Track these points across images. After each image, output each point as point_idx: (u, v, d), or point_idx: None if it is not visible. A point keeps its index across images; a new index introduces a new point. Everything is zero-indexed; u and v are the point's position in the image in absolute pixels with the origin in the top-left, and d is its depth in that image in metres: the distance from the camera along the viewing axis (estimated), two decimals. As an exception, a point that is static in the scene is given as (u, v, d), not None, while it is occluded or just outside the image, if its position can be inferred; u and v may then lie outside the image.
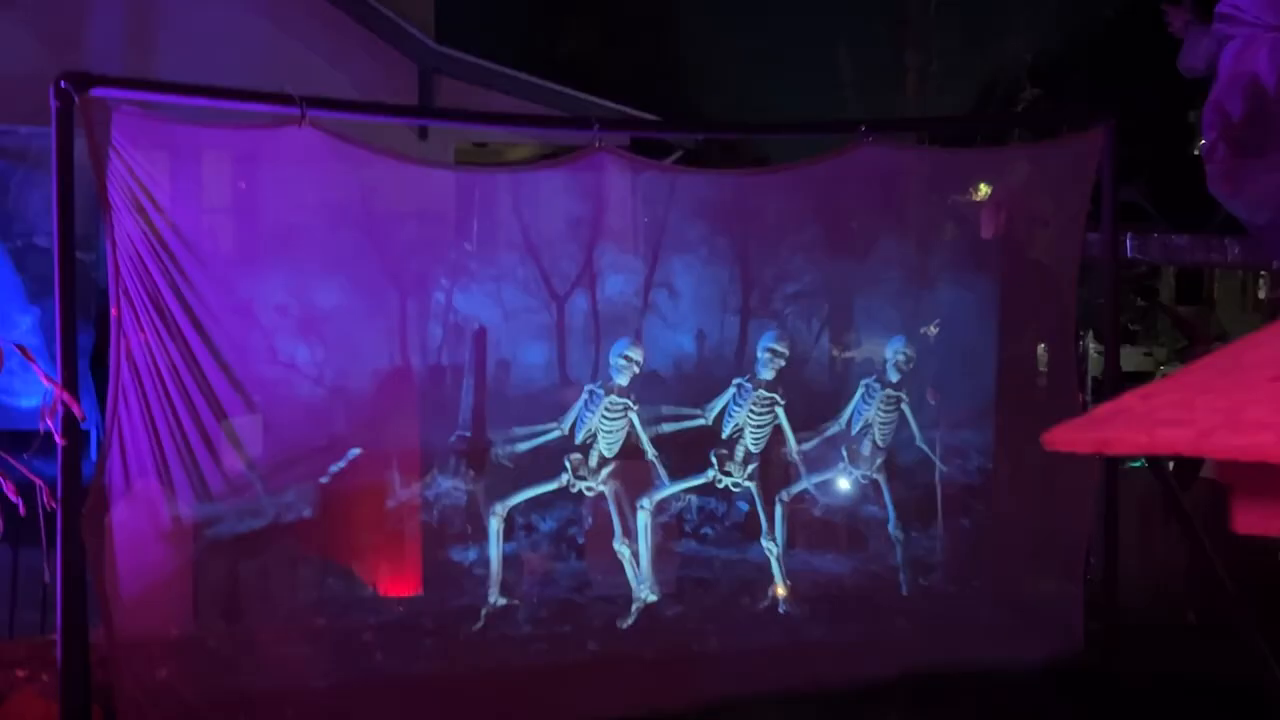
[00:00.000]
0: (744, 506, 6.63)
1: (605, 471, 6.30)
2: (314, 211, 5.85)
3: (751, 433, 6.44)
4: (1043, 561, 7.09)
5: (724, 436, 6.47)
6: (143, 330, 5.13)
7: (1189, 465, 7.45)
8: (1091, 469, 6.60)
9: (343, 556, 6.14)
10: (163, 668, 5.33)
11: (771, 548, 6.50)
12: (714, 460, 6.47)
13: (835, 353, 7.32)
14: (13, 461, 4.92)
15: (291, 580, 5.92)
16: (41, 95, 5.51)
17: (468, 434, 6.32)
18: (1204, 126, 6.27)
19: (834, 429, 6.73)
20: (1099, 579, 6.65)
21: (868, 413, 6.69)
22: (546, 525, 6.36)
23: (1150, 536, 7.83)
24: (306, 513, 5.82)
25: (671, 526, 6.61)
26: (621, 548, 6.29)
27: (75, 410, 4.84)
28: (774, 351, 6.36)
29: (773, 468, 6.62)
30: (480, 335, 6.41)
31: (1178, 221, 13.23)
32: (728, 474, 6.45)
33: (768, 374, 6.39)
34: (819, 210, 6.58)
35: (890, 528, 6.74)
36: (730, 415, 6.44)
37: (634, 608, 6.25)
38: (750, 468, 6.48)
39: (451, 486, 6.22)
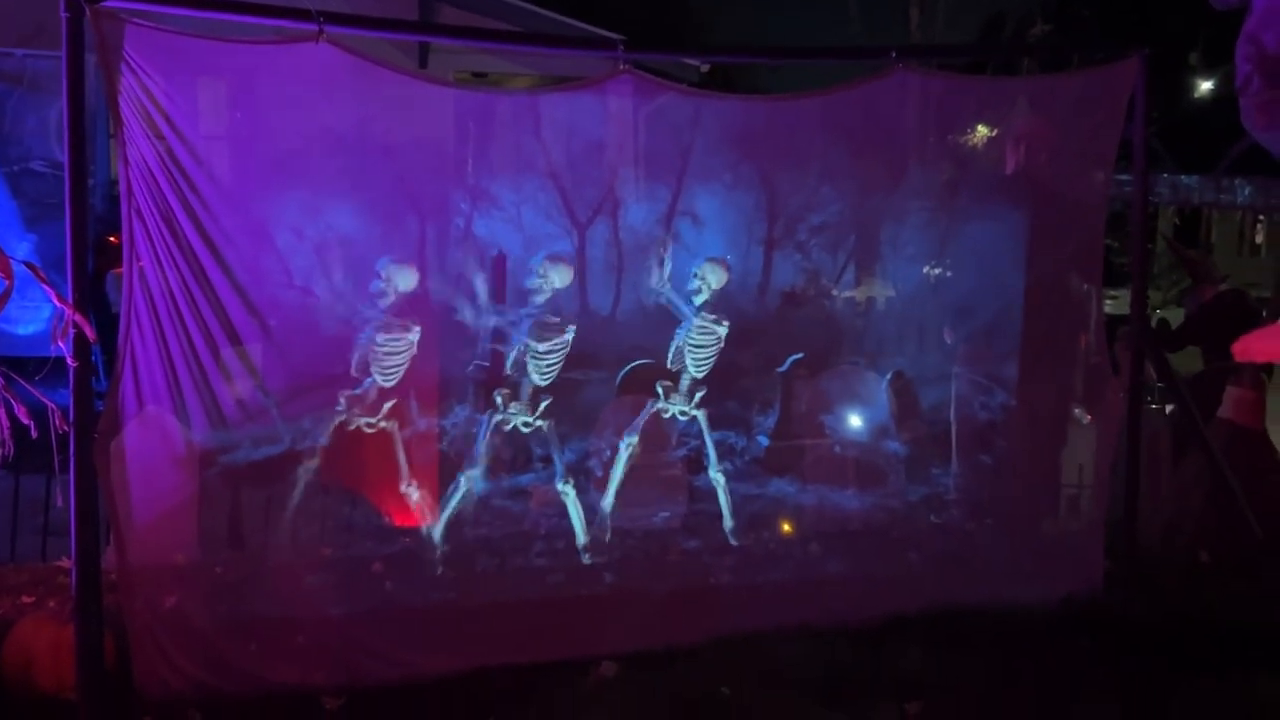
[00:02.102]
0: (764, 441, 6.56)
1: (699, 395, 6.33)
2: (329, 131, 5.69)
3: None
4: (1062, 500, 7.08)
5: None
6: (155, 251, 5.01)
7: (1207, 404, 7.43)
8: (1114, 407, 6.56)
9: (359, 485, 6.06)
10: (175, 594, 5.27)
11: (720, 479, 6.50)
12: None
13: (835, 291, 7.23)
14: (25, 385, 4.81)
15: (308, 508, 5.84)
16: (37, 17, 5.33)
17: (486, 364, 6.22)
18: (1237, 59, 6.10)
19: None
20: (1118, 519, 6.62)
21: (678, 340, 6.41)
22: (566, 457, 6.27)
23: (1158, 477, 7.83)
24: (322, 440, 5.73)
25: (692, 461, 6.54)
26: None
27: (88, 332, 4.72)
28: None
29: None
30: (499, 262, 6.29)
31: (1184, 162, 13.12)
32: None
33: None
34: (848, 138, 6.43)
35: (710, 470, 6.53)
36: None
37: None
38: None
39: (468, 417, 6.13)
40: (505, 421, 6.10)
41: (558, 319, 6.07)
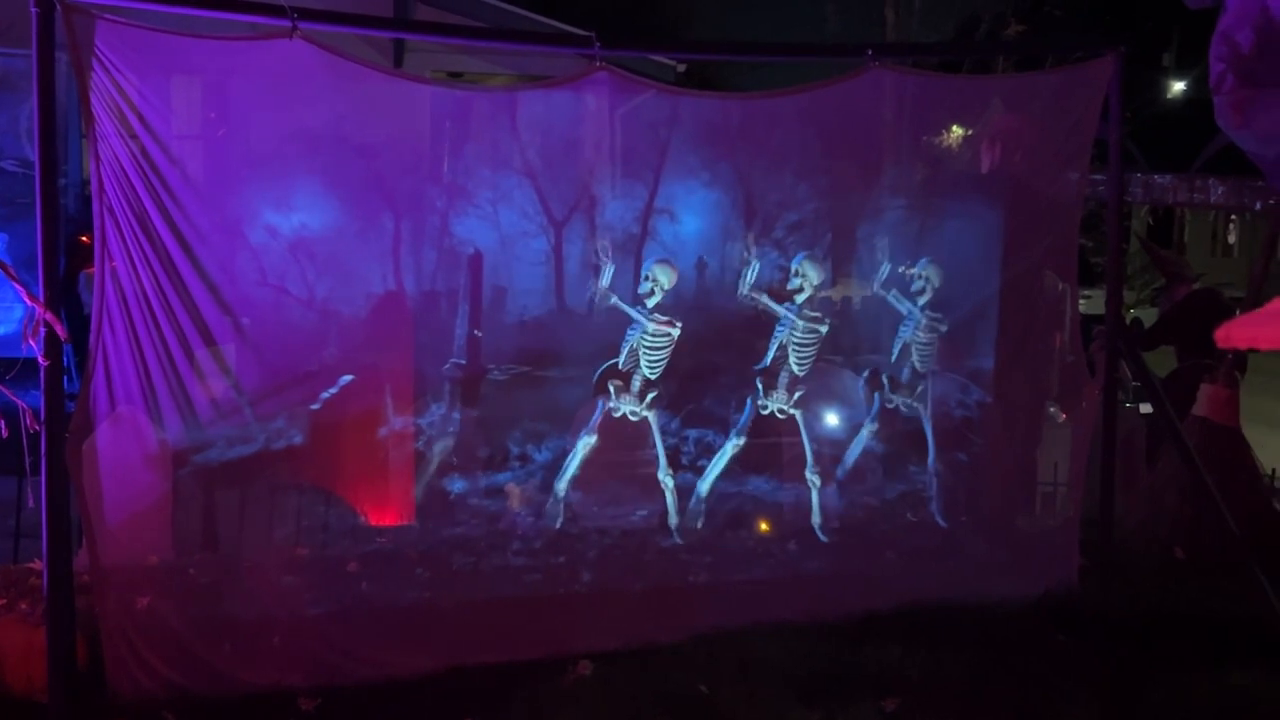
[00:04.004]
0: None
1: (650, 397, 6.32)
2: (303, 128, 5.65)
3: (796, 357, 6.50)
4: (1038, 498, 7.11)
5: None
6: (128, 250, 4.97)
7: (1181, 403, 7.46)
8: (1090, 406, 6.59)
9: (335, 484, 6.03)
10: (148, 595, 5.22)
11: (815, 480, 6.61)
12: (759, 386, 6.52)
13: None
14: (-2, 385, 4.77)
15: (282, 508, 5.81)
16: (7, 14, 5.27)
17: (462, 362, 6.21)
18: (1211, 58, 6.15)
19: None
20: (1092, 516, 6.66)
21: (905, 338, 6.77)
22: (542, 456, 6.25)
23: (1133, 475, 7.87)
24: (297, 439, 5.69)
25: (668, 459, 6.50)
26: (666, 479, 6.40)
27: (59, 331, 4.67)
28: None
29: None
30: (476, 260, 6.27)
31: (1157, 162, 13.21)
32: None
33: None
34: (825, 137, 6.45)
35: (930, 461, 6.78)
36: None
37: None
38: (797, 394, 6.54)
39: (444, 415, 6.10)
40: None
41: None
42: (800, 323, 6.43)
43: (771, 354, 6.50)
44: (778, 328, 6.48)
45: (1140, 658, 5.68)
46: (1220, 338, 3.50)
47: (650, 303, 6.23)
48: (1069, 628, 5.99)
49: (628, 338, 6.27)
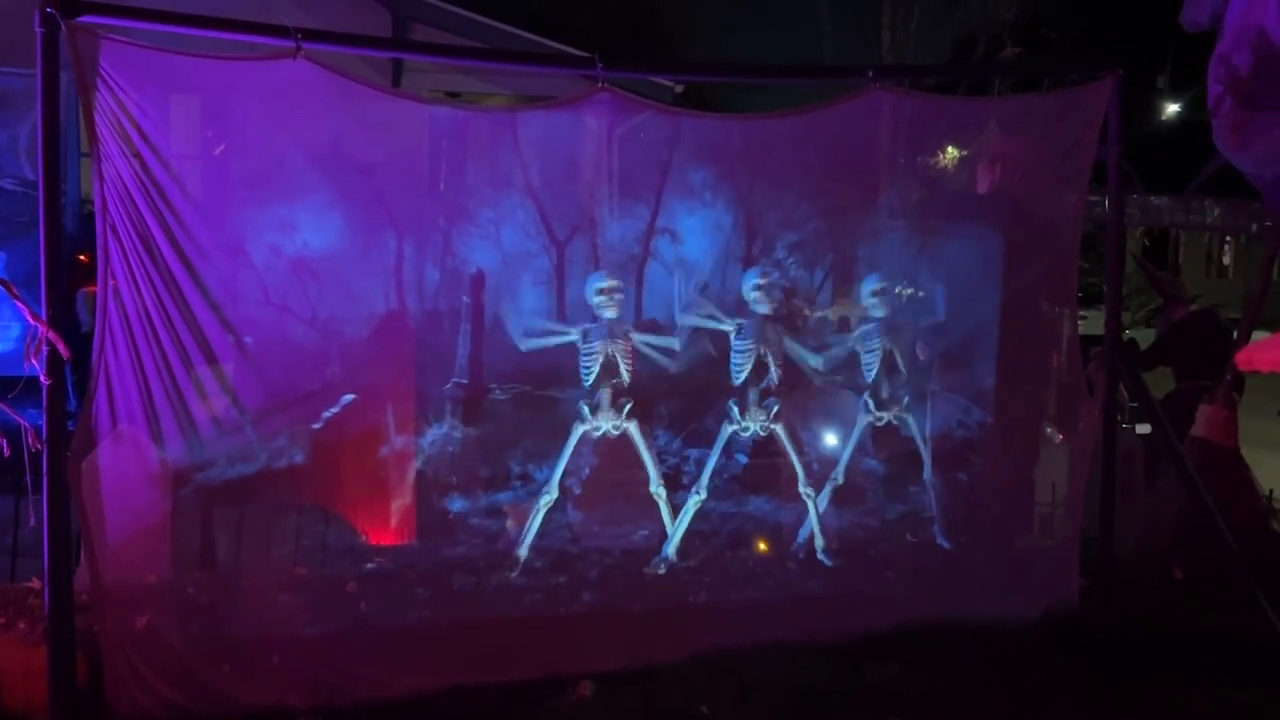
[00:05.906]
0: (742, 459, 6.55)
1: (626, 409, 6.25)
2: (306, 148, 5.68)
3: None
4: (1038, 517, 7.11)
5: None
6: (130, 269, 4.98)
7: (1179, 423, 7.47)
8: (1089, 426, 6.60)
9: (336, 503, 6.03)
10: (148, 614, 5.21)
11: (810, 493, 6.55)
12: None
13: (807, 311, 7.23)
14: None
15: (284, 527, 5.80)
16: (7, 34, 5.28)
17: (464, 381, 6.21)
18: (1209, 80, 6.18)
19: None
20: (1094, 535, 6.66)
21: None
22: (543, 475, 6.24)
23: (1131, 495, 7.87)
24: (299, 458, 5.69)
25: (669, 479, 6.49)
26: (658, 490, 6.34)
27: (61, 349, 4.68)
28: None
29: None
30: (478, 280, 6.28)
31: (1152, 183, 13.26)
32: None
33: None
34: (825, 157, 6.48)
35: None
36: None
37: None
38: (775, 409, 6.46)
39: (446, 434, 6.11)
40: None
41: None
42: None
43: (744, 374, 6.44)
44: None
45: (1140, 675, 5.67)
46: (1243, 361, 3.53)
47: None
48: (1070, 646, 5.98)
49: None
